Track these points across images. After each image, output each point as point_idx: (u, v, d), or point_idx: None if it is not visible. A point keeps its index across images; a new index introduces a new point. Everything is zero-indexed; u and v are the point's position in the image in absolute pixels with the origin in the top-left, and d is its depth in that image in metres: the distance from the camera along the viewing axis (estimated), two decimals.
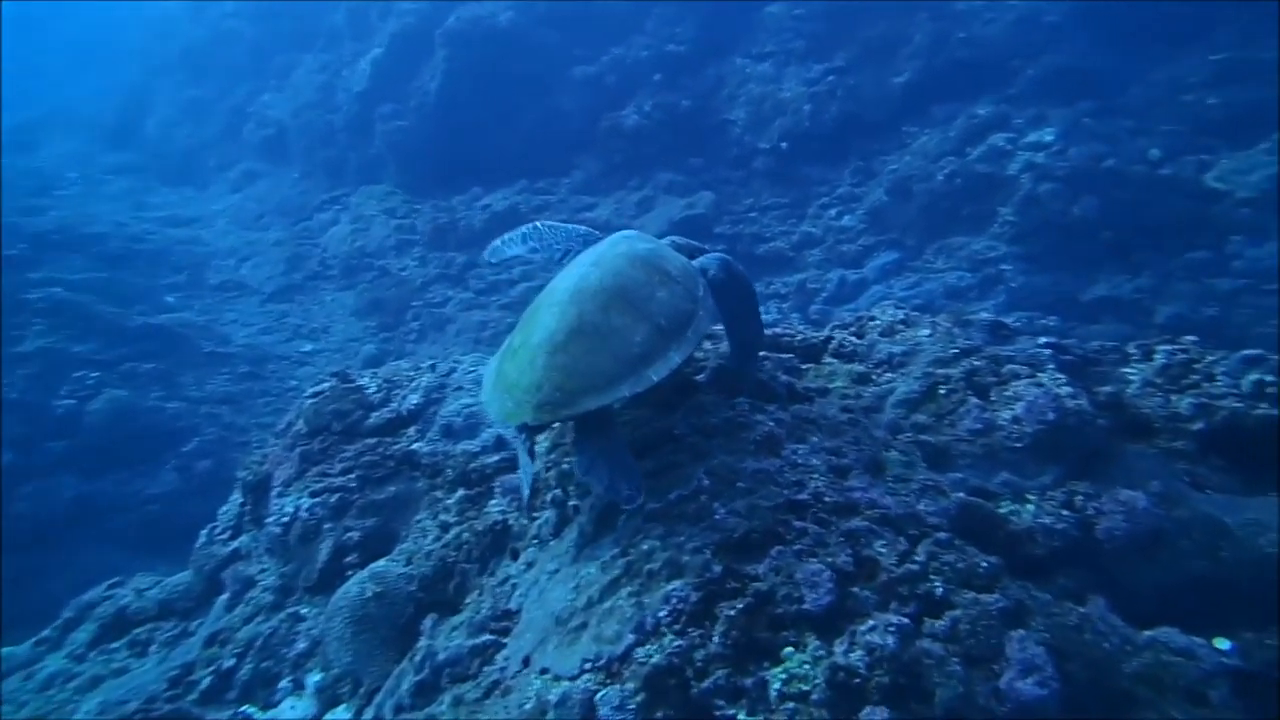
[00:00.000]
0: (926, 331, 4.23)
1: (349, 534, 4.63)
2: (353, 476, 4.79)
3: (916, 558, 3.04)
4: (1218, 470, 3.60)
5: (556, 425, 3.58)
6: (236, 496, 5.39)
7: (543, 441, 4.10)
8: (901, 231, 11.23)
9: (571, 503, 3.70)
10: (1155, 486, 3.44)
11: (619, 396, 3.02)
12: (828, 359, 4.27)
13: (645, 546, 3.16)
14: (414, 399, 4.98)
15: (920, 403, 3.83)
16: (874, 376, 4.08)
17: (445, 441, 4.74)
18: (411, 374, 5.13)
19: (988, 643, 2.82)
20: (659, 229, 12.78)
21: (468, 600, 3.98)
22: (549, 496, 3.78)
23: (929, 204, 11.11)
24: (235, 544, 5.23)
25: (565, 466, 3.78)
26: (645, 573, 3.05)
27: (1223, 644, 3.15)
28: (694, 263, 3.66)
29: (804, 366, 4.26)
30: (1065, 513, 3.41)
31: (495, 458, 4.48)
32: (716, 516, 3.14)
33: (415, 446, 4.80)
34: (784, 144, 13.13)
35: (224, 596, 4.96)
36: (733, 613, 2.86)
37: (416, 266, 14.75)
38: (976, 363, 3.92)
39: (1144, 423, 3.73)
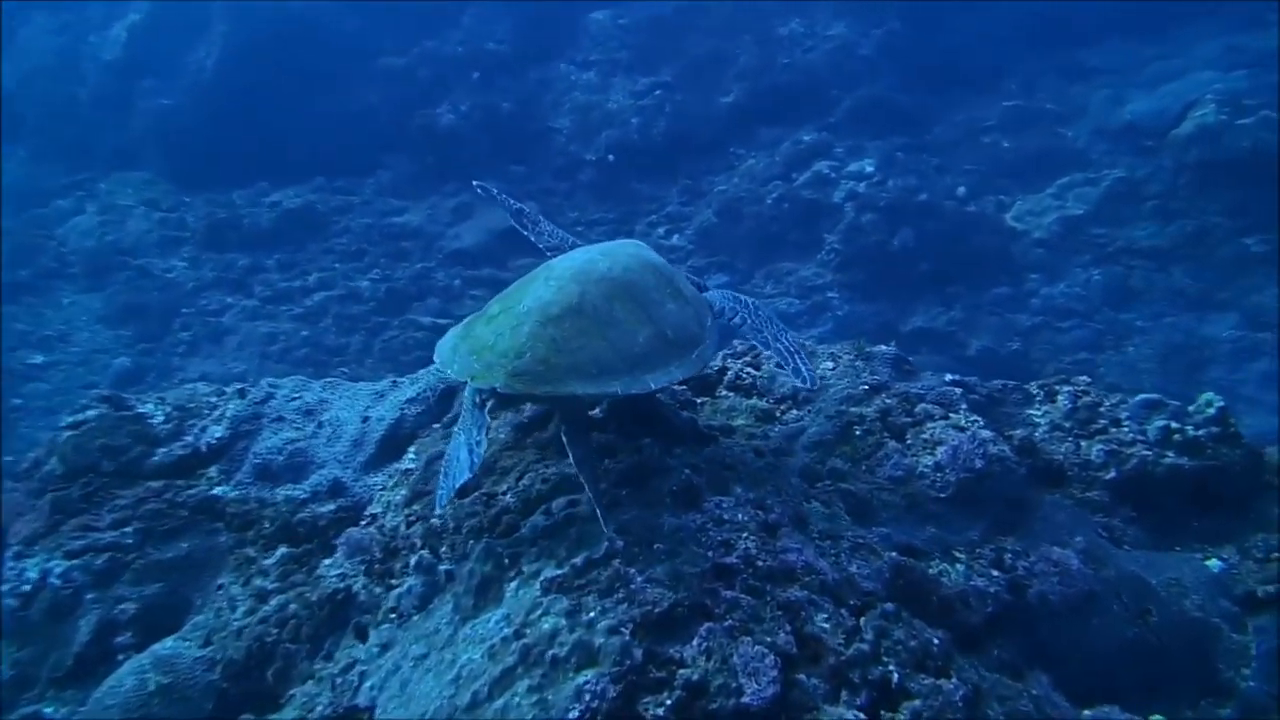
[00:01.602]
0: (829, 364, 3.89)
1: (121, 606, 3.64)
2: (129, 530, 3.78)
3: (865, 636, 2.67)
4: (1129, 522, 3.49)
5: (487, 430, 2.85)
6: None
7: (400, 491, 3.36)
8: (731, 254, 11.18)
9: (444, 567, 3.01)
10: (1080, 543, 3.26)
11: (608, 392, 2.63)
12: (724, 392, 3.83)
13: (547, 625, 2.59)
14: (216, 431, 4.00)
15: (835, 445, 3.47)
16: (778, 413, 3.68)
17: (260, 485, 3.83)
18: (213, 400, 4.14)
19: None
20: (478, 239, 11.98)
21: (293, 692, 3.16)
22: (412, 560, 3.06)
23: (757, 227, 11.15)
24: None
25: (435, 522, 3.07)
26: (548, 660, 2.50)
27: None
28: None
29: (699, 400, 3.79)
30: (996, 573, 3.16)
31: (330, 506, 3.65)
32: (633, 586, 2.63)
33: (218, 491, 3.86)
34: (611, 156, 12.77)
35: None
36: (660, 711, 2.36)
37: (186, 268, 12.86)
38: (888, 401, 3.63)
39: (1057, 470, 3.57)
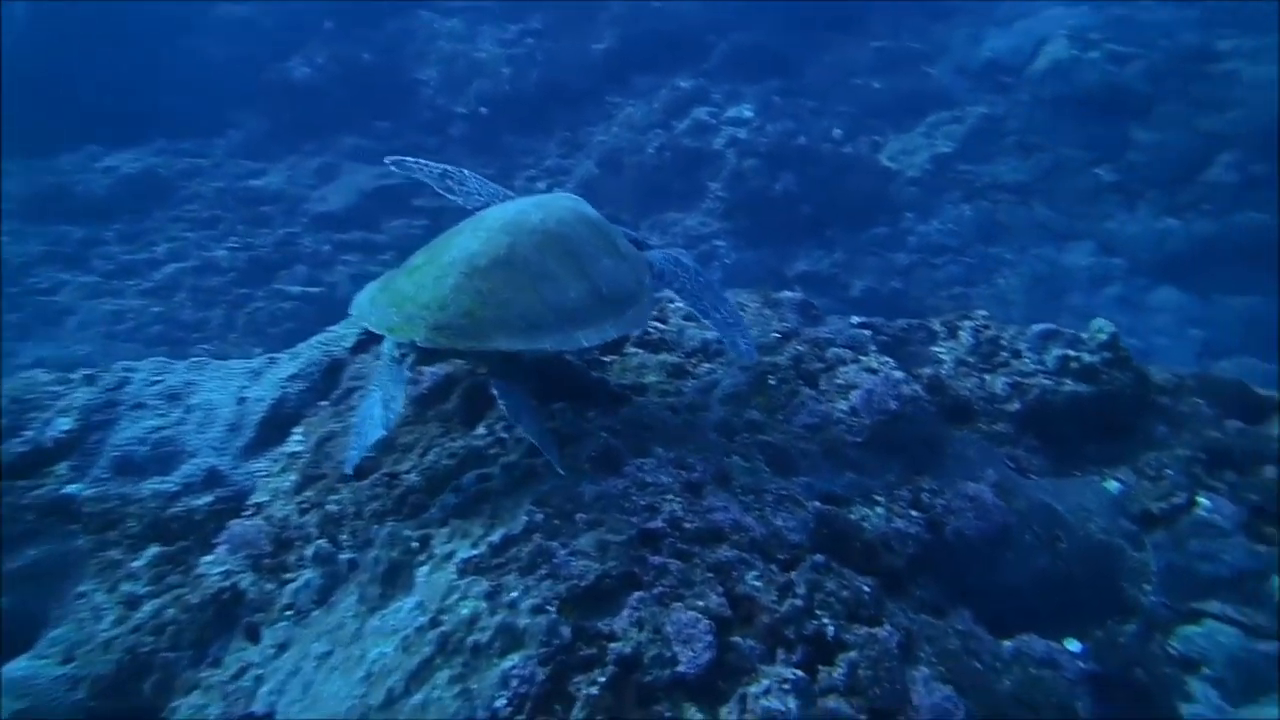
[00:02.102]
0: None
1: None
2: None
3: (797, 590, 2.59)
4: (1034, 451, 3.56)
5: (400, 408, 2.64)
6: None
7: (289, 477, 3.07)
8: (615, 206, 10.89)
9: (345, 556, 2.77)
10: (991, 476, 3.29)
11: (539, 348, 2.54)
12: (631, 348, 3.67)
13: (466, 610, 2.42)
14: (64, 424, 3.56)
15: (750, 396, 3.37)
16: (690, 368, 3.56)
17: (121, 481, 3.43)
18: (57, 389, 3.68)
19: (892, 689, 2.43)
20: (347, 201, 11.32)
21: (177, 705, 2.87)
22: (309, 551, 2.81)
23: (640, 178, 10.97)
24: None
25: (332, 508, 2.82)
26: (469, 647, 2.34)
27: (1073, 645, 3.08)
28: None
29: (607, 359, 3.62)
30: (915, 513, 3.15)
31: (207, 498, 3.31)
32: (557, 560, 2.49)
33: (71, 490, 3.44)
34: (483, 109, 12.27)
35: None
36: (594, 690, 2.24)
37: (9, 243, 11.45)
38: (800, 348, 3.57)
39: (964, 405, 3.60)
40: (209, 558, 3.14)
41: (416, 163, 3.35)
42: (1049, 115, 11.20)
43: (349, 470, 2.73)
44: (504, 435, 2.88)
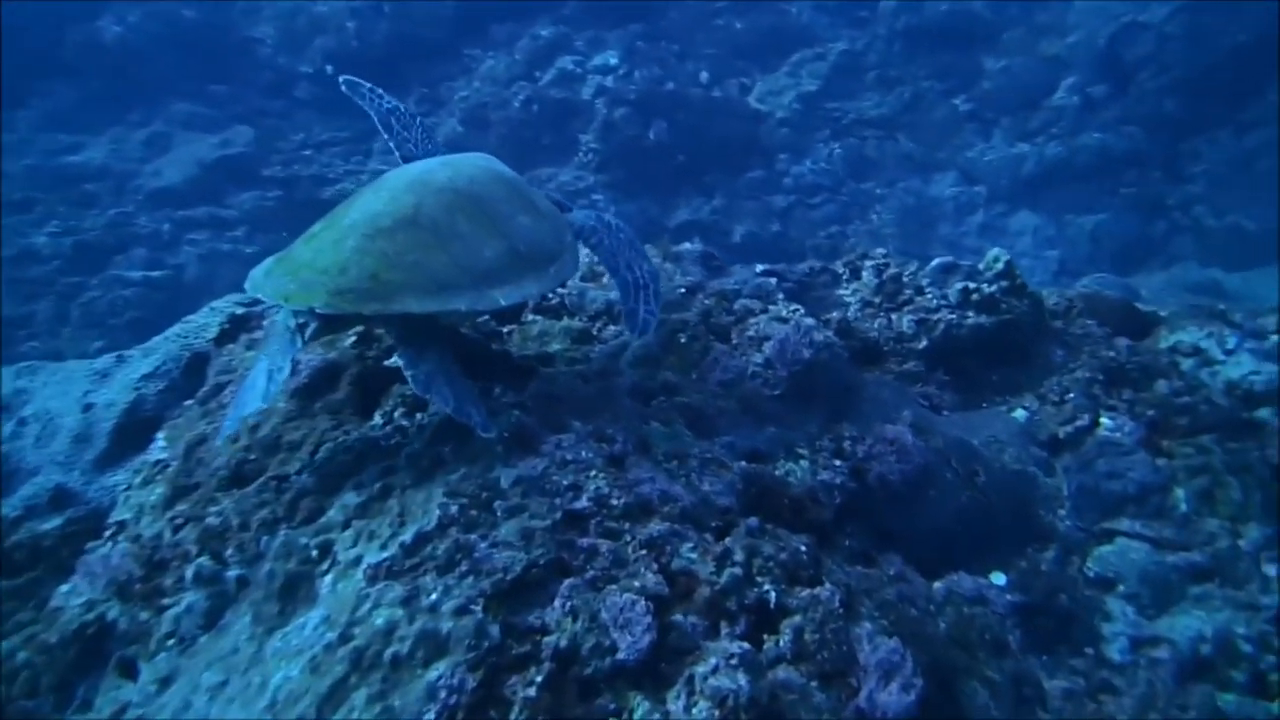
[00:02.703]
0: None
1: None
2: None
3: (735, 558, 2.46)
4: (943, 387, 3.55)
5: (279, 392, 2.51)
6: None
7: (156, 490, 2.70)
8: None
9: (233, 573, 2.46)
10: (908, 417, 3.25)
11: (451, 308, 2.38)
12: (531, 316, 3.44)
13: (380, 620, 2.20)
14: None
15: (662, 357, 3.22)
16: (595, 331, 3.36)
17: None
18: None
19: (839, 650, 2.36)
20: (186, 174, 10.37)
21: None
22: (189, 571, 2.48)
23: (509, 134, 10.53)
24: None
25: (212, 520, 2.50)
26: (388, 661, 2.13)
27: (999, 578, 3.10)
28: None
29: (505, 330, 3.38)
30: (838, 463, 3.07)
31: (55, 520, 2.92)
32: (478, 554, 2.29)
33: None
34: (330, 68, 11.42)
35: None
36: (531, 691, 2.07)
37: None
38: (707, 301, 3.44)
39: (874, 347, 3.55)
40: (65, 588, 2.75)
41: (372, 90, 3.18)
42: (905, 47, 11.42)
43: (220, 443, 2.56)
44: (404, 423, 2.62)
